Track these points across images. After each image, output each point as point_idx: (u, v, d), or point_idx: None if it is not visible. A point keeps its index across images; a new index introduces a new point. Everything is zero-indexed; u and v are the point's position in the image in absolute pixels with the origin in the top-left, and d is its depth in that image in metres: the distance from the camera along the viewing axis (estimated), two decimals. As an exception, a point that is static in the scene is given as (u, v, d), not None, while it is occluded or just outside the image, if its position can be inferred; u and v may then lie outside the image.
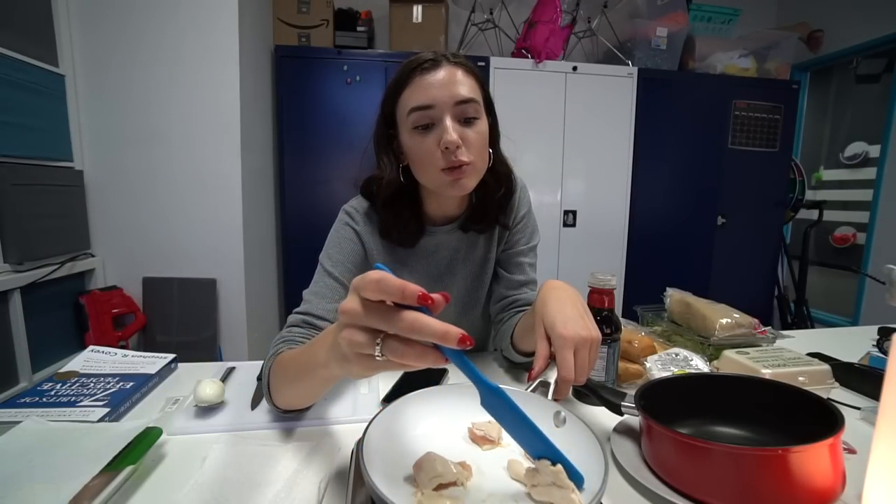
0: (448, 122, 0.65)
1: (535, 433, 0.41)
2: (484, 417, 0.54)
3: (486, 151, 0.70)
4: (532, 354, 0.68)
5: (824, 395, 0.50)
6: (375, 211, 0.77)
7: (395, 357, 0.35)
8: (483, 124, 0.69)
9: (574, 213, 2.42)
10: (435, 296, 0.34)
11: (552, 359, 0.54)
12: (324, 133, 2.20)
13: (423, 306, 0.33)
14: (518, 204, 0.83)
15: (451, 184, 0.68)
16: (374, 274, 0.34)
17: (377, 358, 0.35)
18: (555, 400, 0.51)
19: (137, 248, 1.80)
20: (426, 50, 0.70)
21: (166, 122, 1.76)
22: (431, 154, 0.66)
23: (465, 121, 0.66)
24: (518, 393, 0.55)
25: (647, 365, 0.70)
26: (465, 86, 0.66)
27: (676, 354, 0.73)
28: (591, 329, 0.53)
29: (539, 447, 0.41)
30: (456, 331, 0.33)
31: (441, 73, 0.65)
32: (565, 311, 0.54)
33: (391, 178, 0.71)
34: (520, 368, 0.78)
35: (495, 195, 0.78)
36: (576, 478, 0.41)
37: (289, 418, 0.60)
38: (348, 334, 0.35)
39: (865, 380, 0.71)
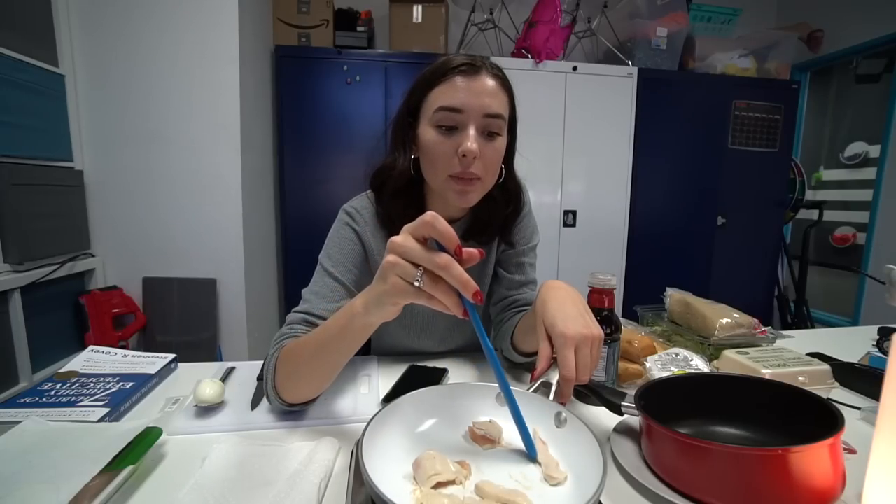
0: (472, 130, 0.64)
1: (513, 401, 0.48)
2: (484, 417, 0.54)
3: (497, 168, 0.70)
4: (532, 355, 0.68)
5: (824, 395, 0.50)
6: (379, 204, 0.77)
7: (429, 288, 0.42)
8: (502, 142, 0.69)
9: (574, 213, 2.42)
10: (468, 249, 0.43)
11: (554, 359, 0.54)
12: (324, 133, 2.20)
13: (456, 256, 0.42)
14: (523, 204, 0.83)
15: (456, 193, 0.68)
16: (429, 214, 0.42)
17: (414, 284, 0.42)
18: (560, 403, 0.51)
19: (137, 248, 1.80)
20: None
21: (166, 122, 1.76)
22: (446, 157, 0.66)
23: (488, 134, 0.66)
24: (520, 394, 0.55)
25: (647, 365, 0.70)
26: (497, 100, 0.66)
27: (676, 354, 0.73)
28: (591, 327, 0.53)
29: (515, 413, 0.48)
30: (474, 285, 0.42)
31: (479, 81, 0.65)
32: (566, 310, 0.54)
33: (403, 168, 0.71)
34: (520, 369, 0.78)
35: (502, 211, 0.78)
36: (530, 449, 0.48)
37: (293, 412, 0.61)
38: (395, 259, 0.43)
39: (865, 380, 0.71)
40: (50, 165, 1.57)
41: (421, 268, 0.42)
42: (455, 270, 0.41)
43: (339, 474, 0.49)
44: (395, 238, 0.43)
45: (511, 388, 0.48)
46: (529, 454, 0.48)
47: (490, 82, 0.66)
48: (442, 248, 0.42)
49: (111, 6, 1.67)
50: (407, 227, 0.44)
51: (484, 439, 0.51)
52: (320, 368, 0.56)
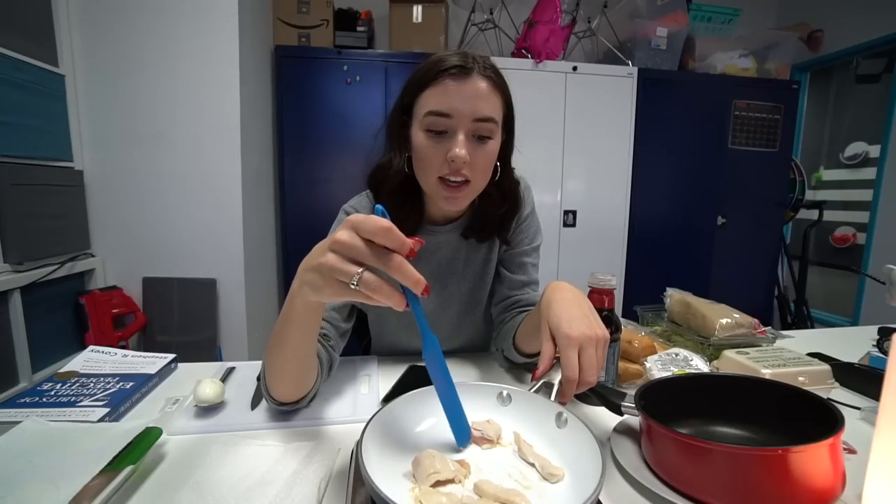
0: (461, 136, 0.64)
1: (452, 397, 0.49)
2: (483, 417, 0.54)
3: (489, 171, 0.70)
4: (533, 356, 0.68)
5: (824, 395, 0.50)
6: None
7: (368, 290, 0.40)
8: (494, 144, 0.68)
9: (574, 213, 2.42)
10: (415, 246, 0.41)
11: (557, 360, 0.54)
12: (324, 133, 2.20)
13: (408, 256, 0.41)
14: (521, 202, 0.83)
15: (445, 198, 0.68)
16: (383, 222, 0.39)
17: (351, 287, 0.40)
18: (561, 403, 0.51)
19: (137, 248, 1.80)
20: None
21: (166, 122, 1.76)
22: (436, 161, 0.66)
23: (479, 138, 0.66)
24: (521, 393, 0.55)
25: (647, 365, 0.70)
26: (488, 103, 0.65)
27: (676, 354, 0.73)
28: (596, 328, 0.53)
29: (452, 410, 0.49)
30: (423, 281, 0.41)
31: (468, 84, 0.64)
32: (571, 312, 0.54)
33: (399, 167, 0.71)
34: (521, 369, 0.78)
35: (498, 210, 0.77)
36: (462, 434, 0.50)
37: (287, 412, 0.61)
38: (334, 260, 0.40)
39: (865, 380, 0.71)
40: (50, 165, 1.57)
41: (361, 269, 0.40)
42: (409, 271, 0.40)
43: (339, 474, 0.49)
44: (340, 236, 0.40)
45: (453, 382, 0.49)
46: (458, 443, 0.49)
47: (481, 84, 0.65)
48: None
49: (111, 6, 1.67)
50: (354, 223, 0.40)
51: (482, 439, 0.51)
52: (285, 359, 0.54)
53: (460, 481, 0.44)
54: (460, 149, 0.63)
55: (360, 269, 0.40)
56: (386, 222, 0.39)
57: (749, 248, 2.69)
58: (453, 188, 0.67)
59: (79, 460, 0.44)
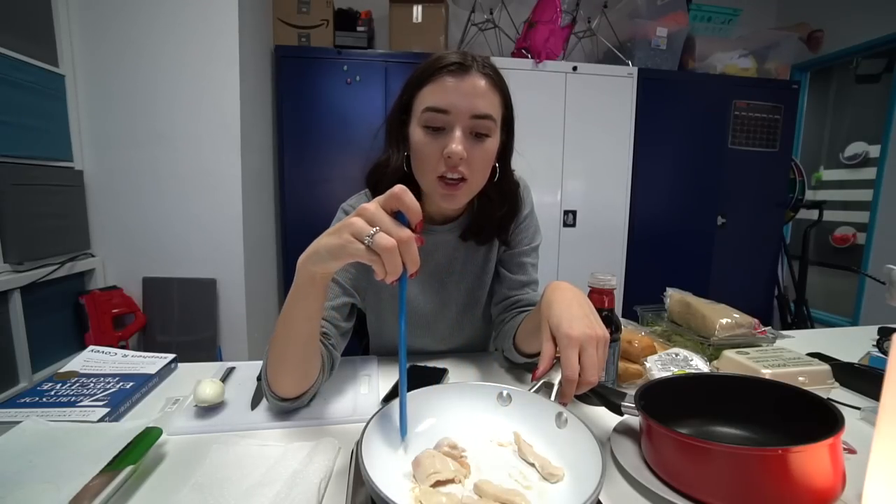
0: (458, 132, 0.64)
1: (403, 383, 0.50)
2: (484, 417, 0.54)
3: (487, 170, 0.70)
4: (534, 356, 0.68)
5: (824, 395, 0.50)
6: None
7: (378, 248, 0.43)
8: (492, 143, 0.68)
9: (574, 213, 2.42)
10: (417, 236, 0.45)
11: (557, 360, 0.54)
12: (324, 133, 2.20)
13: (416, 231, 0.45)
14: (520, 204, 0.83)
15: (443, 196, 0.68)
16: (398, 187, 0.44)
17: (364, 241, 0.43)
18: (561, 403, 0.51)
19: (137, 248, 1.80)
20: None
21: (166, 122, 1.76)
22: (433, 158, 0.65)
23: (476, 135, 0.66)
24: (521, 393, 0.55)
25: (647, 365, 0.70)
26: (486, 100, 0.65)
27: (676, 354, 0.73)
28: (596, 328, 0.53)
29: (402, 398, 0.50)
30: (419, 263, 0.45)
31: (466, 81, 0.64)
32: (571, 311, 0.54)
33: (397, 165, 0.71)
34: (521, 369, 0.78)
35: (497, 212, 0.77)
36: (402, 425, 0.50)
37: (291, 410, 0.61)
38: (356, 220, 0.44)
39: (865, 380, 0.71)
40: (50, 165, 1.57)
41: (375, 229, 0.44)
42: (412, 248, 0.44)
43: (339, 474, 0.49)
44: (365, 204, 0.45)
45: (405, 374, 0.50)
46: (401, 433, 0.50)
47: (480, 82, 0.65)
48: (405, 223, 0.45)
49: (111, 6, 1.67)
50: (377, 198, 0.46)
51: (439, 483, 0.45)
52: (290, 344, 0.56)
53: (460, 481, 0.44)
54: (457, 145, 0.63)
55: (376, 229, 0.43)
56: (401, 187, 0.44)
57: (749, 248, 2.69)
58: (451, 186, 0.66)
59: (79, 460, 0.44)
